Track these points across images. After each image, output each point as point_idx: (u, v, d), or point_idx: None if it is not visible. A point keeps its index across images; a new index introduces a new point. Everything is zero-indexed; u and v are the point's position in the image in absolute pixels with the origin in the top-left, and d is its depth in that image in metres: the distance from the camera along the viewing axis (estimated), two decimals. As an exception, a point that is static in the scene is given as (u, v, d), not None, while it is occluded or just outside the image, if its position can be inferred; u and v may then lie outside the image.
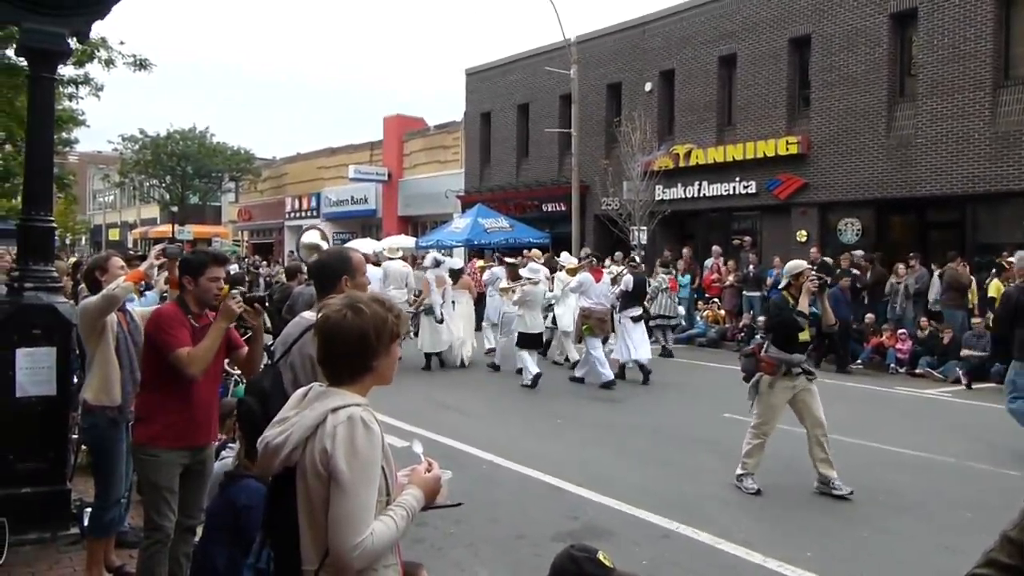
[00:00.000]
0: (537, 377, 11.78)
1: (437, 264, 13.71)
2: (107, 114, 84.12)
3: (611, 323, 12.41)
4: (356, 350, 2.24)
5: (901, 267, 15.50)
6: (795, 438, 7.11)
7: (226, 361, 4.62)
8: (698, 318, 18.50)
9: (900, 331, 14.58)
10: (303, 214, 38.30)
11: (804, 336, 6.76)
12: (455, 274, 14.06)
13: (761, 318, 16.82)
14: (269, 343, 4.77)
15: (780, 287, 7.07)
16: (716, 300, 18.32)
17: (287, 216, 39.45)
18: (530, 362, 11.97)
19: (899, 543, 5.65)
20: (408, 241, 27.16)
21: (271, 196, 41.80)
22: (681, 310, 18.69)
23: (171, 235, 40.54)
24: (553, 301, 13.81)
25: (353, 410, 2.16)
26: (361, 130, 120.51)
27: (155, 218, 51.23)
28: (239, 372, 7.53)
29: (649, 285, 16.29)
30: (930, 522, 6.10)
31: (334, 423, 2.13)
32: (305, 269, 9.91)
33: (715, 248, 19.39)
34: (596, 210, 22.81)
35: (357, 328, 2.24)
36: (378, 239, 28.34)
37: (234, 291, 3.95)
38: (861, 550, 5.50)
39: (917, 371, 13.92)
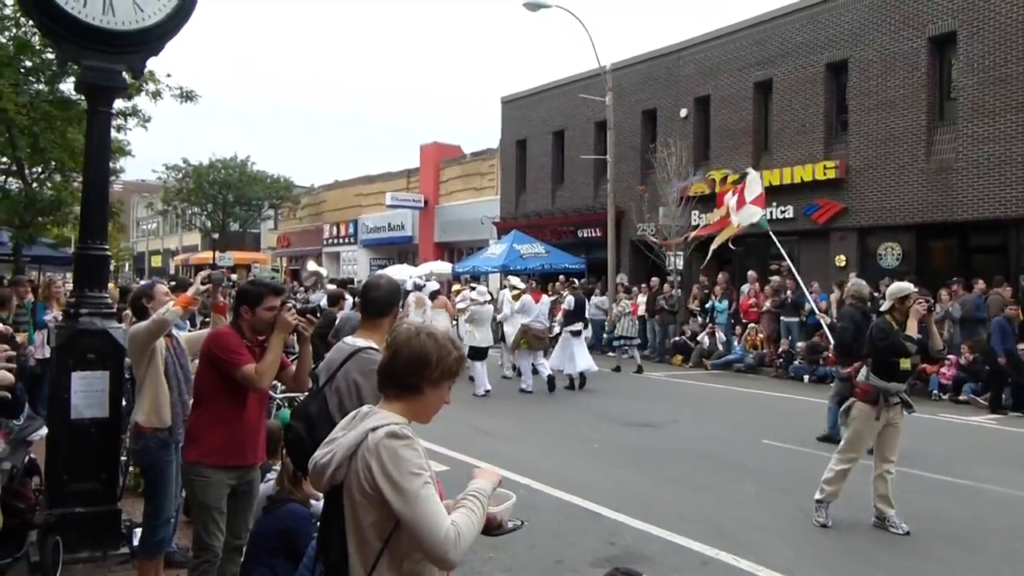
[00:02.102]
0: (487, 392, 13.38)
1: (418, 288, 15.31)
2: (151, 143, 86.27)
3: (548, 340, 14.48)
4: (415, 368, 2.36)
5: (944, 293, 15.29)
6: (858, 468, 6.76)
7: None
8: (736, 344, 18.38)
9: (948, 355, 14.31)
10: (341, 240, 38.80)
11: (905, 364, 6.42)
12: (432, 295, 15.30)
13: (800, 344, 16.70)
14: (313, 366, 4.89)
15: (882, 310, 6.72)
16: (754, 325, 18.20)
17: (325, 242, 39.99)
18: (482, 374, 13.51)
19: (944, 572, 5.57)
20: (444, 267, 27.39)
21: (310, 223, 42.44)
22: (722, 336, 18.62)
23: (212, 261, 41.29)
24: (502, 320, 15.39)
25: (391, 427, 2.25)
26: (398, 158, 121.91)
27: (196, 245, 52.26)
28: (281, 397, 7.71)
29: (613, 309, 18.81)
30: (977, 551, 6.00)
31: (374, 440, 2.22)
32: (347, 296, 10.10)
33: (751, 273, 19.28)
34: (632, 235, 22.82)
35: (424, 348, 2.37)
36: (415, 265, 28.61)
37: (288, 303, 4.08)
38: (905, 579, 5.42)
39: (961, 398, 13.68)
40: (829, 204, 18.68)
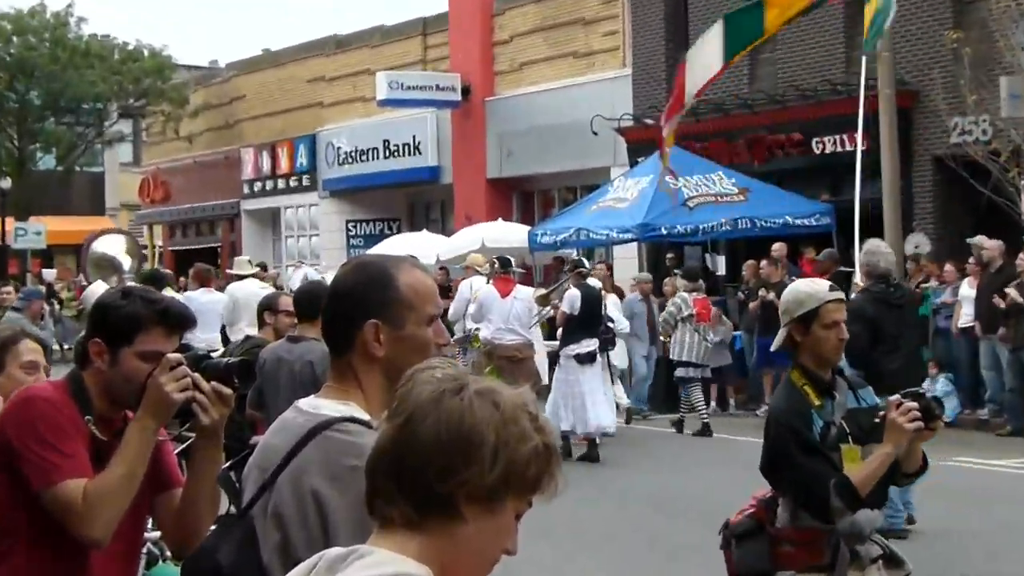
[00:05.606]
0: None
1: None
2: None
3: (529, 360, 15.95)
4: (448, 461, 2.29)
5: None
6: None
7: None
8: None
9: None
10: (280, 183, 39.28)
11: (853, 457, 6.18)
12: None
13: None
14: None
15: (776, 343, 6.64)
16: None
17: (245, 188, 40.60)
18: None
19: None
20: (515, 232, 27.43)
21: (211, 148, 43.16)
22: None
23: None
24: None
25: None
26: (401, 4, 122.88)
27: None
28: (159, 533, 7.85)
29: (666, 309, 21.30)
30: None
31: None
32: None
33: None
34: (936, 146, 22.65)
35: (469, 424, 2.28)
36: (447, 234, 28.80)
37: (173, 355, 4.08)
38: None
39: None
40: None
